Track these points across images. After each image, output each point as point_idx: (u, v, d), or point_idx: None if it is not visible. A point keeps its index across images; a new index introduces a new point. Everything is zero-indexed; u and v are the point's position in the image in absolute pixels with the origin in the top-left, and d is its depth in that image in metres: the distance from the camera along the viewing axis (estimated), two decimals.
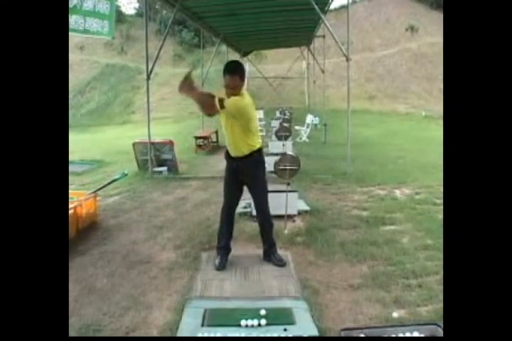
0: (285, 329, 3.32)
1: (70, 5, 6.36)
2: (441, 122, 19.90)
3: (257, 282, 4.31)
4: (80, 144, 15.12)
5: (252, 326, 3.39)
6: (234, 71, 4.34)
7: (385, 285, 4.21)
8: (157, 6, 38.81)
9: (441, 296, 3.87)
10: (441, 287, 4.01)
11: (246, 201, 5.99)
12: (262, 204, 4.77)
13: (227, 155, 4.71)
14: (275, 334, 3.23)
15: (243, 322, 3.41)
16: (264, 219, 4.82)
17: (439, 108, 23.64)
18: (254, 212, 5.97)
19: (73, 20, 6.53)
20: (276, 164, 5.72)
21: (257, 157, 4.62)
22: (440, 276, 4.31)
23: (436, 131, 17.23)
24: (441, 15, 37.94)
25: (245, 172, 4.64)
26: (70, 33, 6.20)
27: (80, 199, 5.96)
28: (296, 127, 16.13)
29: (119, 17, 36.80)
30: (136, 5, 47.44)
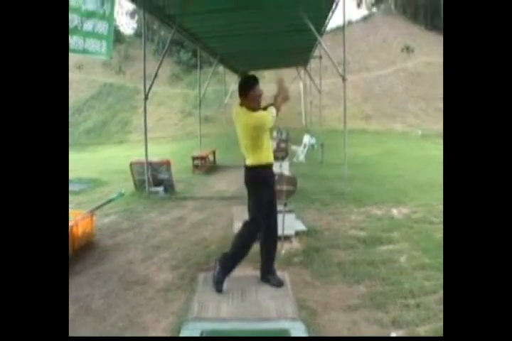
0: None
1: (71, 26, 6.43)
2: (437, 141, 20.04)
3: (254, 303, 4.28)
4: (78, 163, 15.14)
5: None
6: (258, 82, 4.43)
7: (383, 305, 4.18)
8: (155, 27, 39.31)
9: (439, 316, 3.85)
10: (440, 306, 4.00)
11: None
12: (275, 224, 4.78)
13: (265, 168, 4.59)
14: None
15: None
16: (276, 238, 4.80)
17: (435, 127, 23.82)
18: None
19: (73, 40, 6.61)
20: None
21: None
22: (438, 296, 4.29)
23: (432, 150, 17.31)
24: (436, 36, 38.46)
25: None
26: (70, 53, 6.25)
27: (76, 218, 5.94)
28: (293, 147, 16.16)
29: (118, 37, 37.24)
30: (135, 25, 48.10)
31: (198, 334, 3.61)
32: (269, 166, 4.58)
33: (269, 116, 4.38)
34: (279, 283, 4.63)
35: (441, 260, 4.71)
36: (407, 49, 37.16)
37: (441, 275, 4.61)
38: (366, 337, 2.88)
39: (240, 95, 4.47)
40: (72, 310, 4.15)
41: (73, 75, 33.40)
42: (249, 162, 4.51)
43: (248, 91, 4.38)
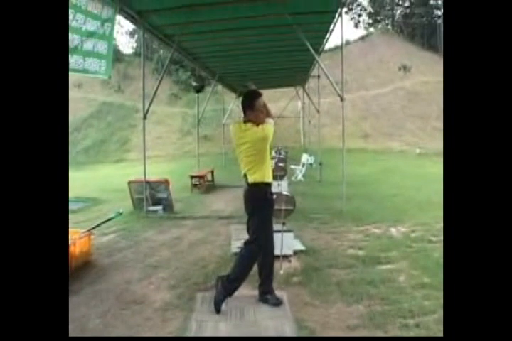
0: None
1: (72, 46, 6.49)
2: (435, 159, 20.06)
3: (252, 323, 4.25)
4: (76, 181, 15.12)
5: None
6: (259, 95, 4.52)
7: (383, 325, 4.14)
8: (154, 46, 39.68)
9: (439, 336, 3.82)
10: (439, 326, 3.97)
11: (242, 241, 5.94)
12: (271, 242, 4.79)
13: (268, 186, 4.61)
14: None
15: None
16: (272, 255, 4.82)
17: (432, 145, 23.86)
18: None
19: (74, 60, 6.65)
20: None
21: None
22: (437, 315, 4.26)
23: (430, 168, 17.33)
24: (433, 55, 38.78)
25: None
26: (70, 73, 6.29)
27: (73, 237, 5.91)
28: (292, 166, 16.18)
29: (117, 56, 37.53)
30: (134, 44, 48.49)
31: None
32: (270, 185, 4.61)
33: (271, 125, 4.47)
34: (277, 303, 4.60)
35: (440, 279, 4.69)
36: (404, 68, 37.44)
37: (440, 294, 4.59)
38: (366, 337, 2.84)
39: (246, 109, 4.53)
40: (68, 330, 4.11)
41: (72, 94, 33.56)
42: (252, 179, 4.50)
43: (254, 102, 4.47)
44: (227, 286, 4.54)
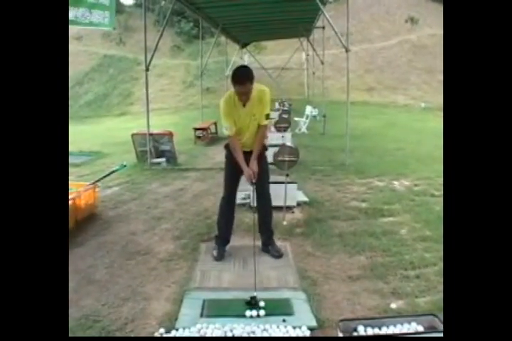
0: (284, 320, 3.34)
1: None
2: (439, 113, 19.89)
3: (255, 273, 4.32)
4: (79, 135, 15.08)
5: (251, 317, 3.41)
6: (244, 80, 4.15)
7: (384, 276, 4.22)
8: None
9: (439, 287, 3.90)
10: (439, 278, 4.04)
11: (245, 192, 5.99)
12: (265, 193, 4.81)
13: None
14: (274, 325, 3.25)
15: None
16: (268, 207, 4.87)
17: (437, 99, 23.56)
18: (252, 203, 5.97)
19: (81, 13, 6.53)
20: (275, 155, 5.71)
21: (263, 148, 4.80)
22: (438, 267, 4.32)
23: (434, 123, 17.22)
24: (441, 7, 37.85)
25: None
26: (76, 26, 6.18)
27: (78, 190, 5.95)
28: (296, 118, 16.09)
29: (118, 7, 36.61)
30: None
31: (200, 303, 3.66)
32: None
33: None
34: (278, 254, 4.68)
35: (441, 232, 4.73)
36: (411, 20, 36.56)
37: (441, 247, 4.64)
38: (367, 337, 2.90)
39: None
40: (75, 280, 4.19)
41: (72, 47, 33.00)
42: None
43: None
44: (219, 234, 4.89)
